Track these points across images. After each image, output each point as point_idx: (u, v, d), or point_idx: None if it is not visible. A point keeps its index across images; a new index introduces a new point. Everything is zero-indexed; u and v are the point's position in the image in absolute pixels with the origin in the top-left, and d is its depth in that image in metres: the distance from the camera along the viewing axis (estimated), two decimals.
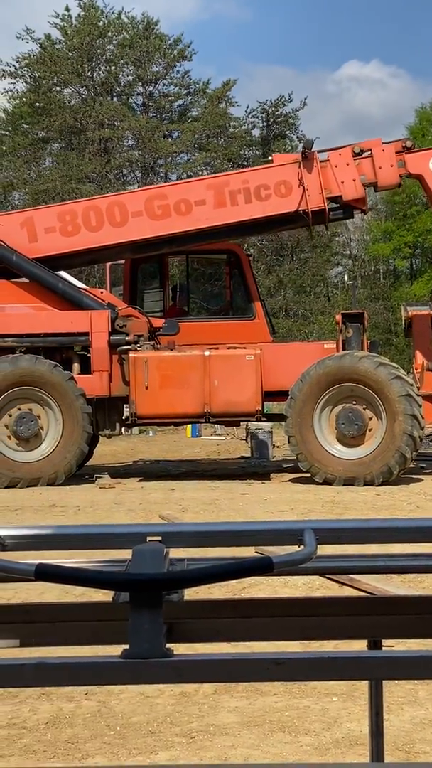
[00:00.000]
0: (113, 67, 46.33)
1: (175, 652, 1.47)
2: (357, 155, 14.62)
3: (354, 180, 14.59)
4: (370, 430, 13.62)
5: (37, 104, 44.92)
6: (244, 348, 14.43)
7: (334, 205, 14.86)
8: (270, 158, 15.80)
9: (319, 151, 14.86)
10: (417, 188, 50.36)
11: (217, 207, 14.66)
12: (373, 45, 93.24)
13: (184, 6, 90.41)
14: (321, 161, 14.66)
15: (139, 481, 14.65)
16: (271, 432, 19.32)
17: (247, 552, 1.92)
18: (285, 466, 16.53)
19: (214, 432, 27.21)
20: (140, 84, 47.20)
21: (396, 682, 4.64)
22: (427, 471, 15.25)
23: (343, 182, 14.58)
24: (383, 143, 14.75)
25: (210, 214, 14.69)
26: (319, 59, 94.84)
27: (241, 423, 18.19)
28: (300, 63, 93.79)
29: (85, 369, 14.58)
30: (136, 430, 24.18)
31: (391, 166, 14.59)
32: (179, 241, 15.39)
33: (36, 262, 14.71)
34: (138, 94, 47.78)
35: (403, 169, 14.63)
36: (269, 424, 18.09)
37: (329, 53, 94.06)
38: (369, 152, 14.65)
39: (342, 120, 78.52)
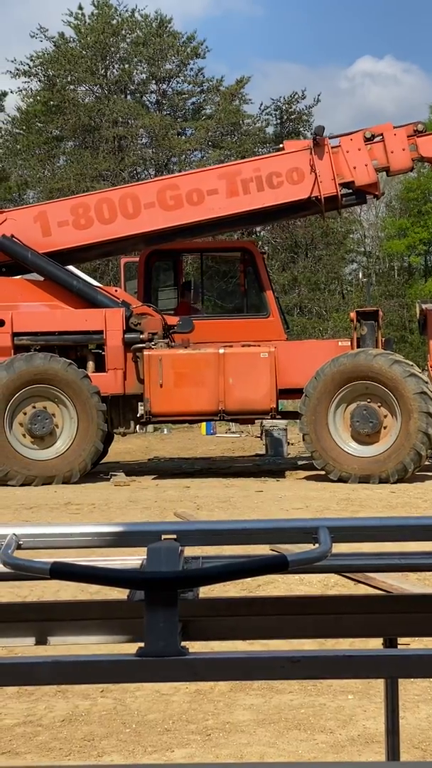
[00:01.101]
0: (127, 65, 46.38)
1: (190, 650, 1.47)
2: (368, 140, 14.58)
3: (366, 165, 14.55)
4: (385, 427, 13.59)
5: (51, 103, 45.01)
6: (259, 346, 14.41)
7: (347, 191, 14.84)
8: (281, 146, 15.78)
9: (330, 137, 14.83)
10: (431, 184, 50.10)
11: (230, 196, 14.64)
12: (387, 40, 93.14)
13: (195, 2, 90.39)
14: (332, 147, 14.61)
15: (154, 478, 14.66)
16: (285, 429, 19.29)
17: (262, 550, 1.92)
18: (300, 463, 16.51)
19: (229, 429, 27.19)
20: (154, 82, 47.22)
21: (412, 680, 4.63)
22: None
23: (355, 167, 14.55)
24: (394, 127, 14.72)
25: (223, 204, 14.67)
26: (331, 55, 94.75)
27: (256, 420, 18.17)
28: (312, 59, 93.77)
29: (100, 367, 14.58)
30: (150, 427, 24.18)
31: (403, 150, 14.56)
32: (193, 231, 15.40)
33: (51, 259, 14.74)
34: (152, 92, 47.82)
35: (415, 152, 14.58)
36: (284, 421, 18.07)
37: (342, 49, 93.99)
38: (380, 137, 14.61)
39: (355, 116, 78.30)
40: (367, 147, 14.58)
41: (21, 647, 1.89)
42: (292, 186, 14.58)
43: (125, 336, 14.42)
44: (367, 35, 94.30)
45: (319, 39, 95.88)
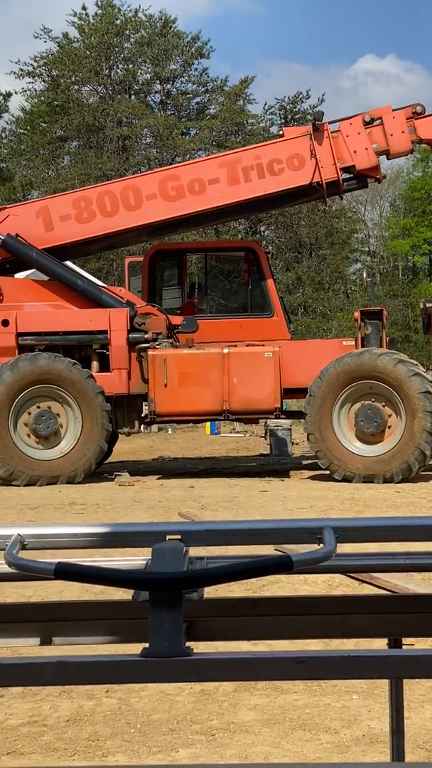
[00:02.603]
0: (131, 65, 46.42)
1: (194, 651, 1.47)
2: (368, 124, 14.58)
3: (366, 149, 14.56)
4: (389, 427, 13.58)
5: (56, 103, 45.07)
6: (263, 345, 14.41)
7: (348, 176, 14.86)
8: (281, 132, 15.78)
9: (329, 122, 14.82)
10: None
11: (231, 184, 14.64)
12: (389, 39, 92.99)
13: (197, 1, 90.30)
14: (332, 132, 14.61)
15: (159, 478, 14.66)
16: (290, 429, 19.29)
17: (267, 550, 1.92)
18: (304, 463, 16.50)
19: (233, 429, 27.20)
20: (158, 82, 47.26)
21: (417, 680, 4.63)
22: None
23: (355, 151, 14.55)
24: (393, 110, 14.72)
25: (224, 192, 14.68)
26: (333, 54, 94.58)
27: (260, 420, 18.17)
28: (315, 58, 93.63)
29: (104, 367, 14.59)
30: (155, 427, 24.22)
31: (402, 132, 14.56)
32: (196, 221, 15.41)
33: (55, 259, 14.75)
34: (156, 92, 47.88)
35: (414, 134, 14.58)
36: (288, 421, 18.06)
37: (344, 48, 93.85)
38: (379, 120, 14.61)
39: None
40: (367, 131, 14.58)
41: (26, 647, 1.89)
42: (293, 172, 14.59)
43: (129, 336, 14.42)
44: (369, 34, 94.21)
45: (321, 38, 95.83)
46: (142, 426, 15.95)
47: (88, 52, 45.07)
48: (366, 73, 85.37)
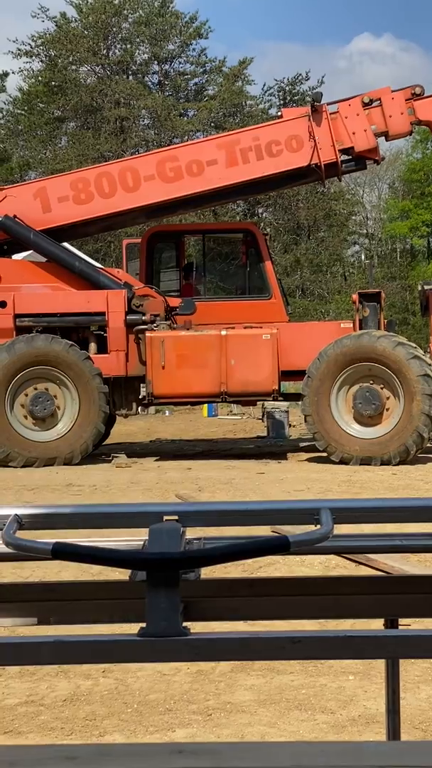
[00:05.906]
0: (129, 46, 46.15)
1: (191, 631, 1.47)
2: (366, 105, 14.50)
3: (365, 130, 14.49)
4: (387, 409, 13.59)
5: (53, 83, 44.81)
6: (261, 327, 14.40)
7: (346, 157, 14.81)
8: (279, 114, 15.69)
9: (328, 103, 14.75)
10: None
11: (230, 166, 14.58)
12: (385, 18, 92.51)
13: None
14: (331, 113, 14.54)
15: (156, 460, 14.67)
16: (287, 411, 19.30)
17: (264, 531, 1.92)
18: (301, 445, 16.52)
19: (231, 411, 27.21)
20: (156, 62, 47.00)
21: (412, 660, 4.65)
22: None
23: (354, 133, 14.48)
24: (392, 91, 14.65)
25: (222, 174, 14.62)
26: (329, 33, 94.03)
27: (258, 402, 18.18)
28: (310, 37, 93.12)
29: (102, 349, 14.57)
30: (152, 409, 24.23)
31: (401, 114, 14.49)
32: (194, 202, 15.37)
33: (53, 240, 14.72)
34: (154, 73, 47.62)
35: (413, 116, 14.52)
36: (286, 403, 18.07)
37: (340, 27, 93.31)
38: (378, 101, 14.54)
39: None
40: (366, 112, 14.51)
41: (23, 627, 1.90)
42: (292, 154, 14.53)
43: (127, 317, 14.40)
44: (365, 12, 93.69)
45: (316, 16, 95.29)
46: (139, 408, 15.95)
47: (85, 32, 44.78)
48: (362, 52, 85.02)
